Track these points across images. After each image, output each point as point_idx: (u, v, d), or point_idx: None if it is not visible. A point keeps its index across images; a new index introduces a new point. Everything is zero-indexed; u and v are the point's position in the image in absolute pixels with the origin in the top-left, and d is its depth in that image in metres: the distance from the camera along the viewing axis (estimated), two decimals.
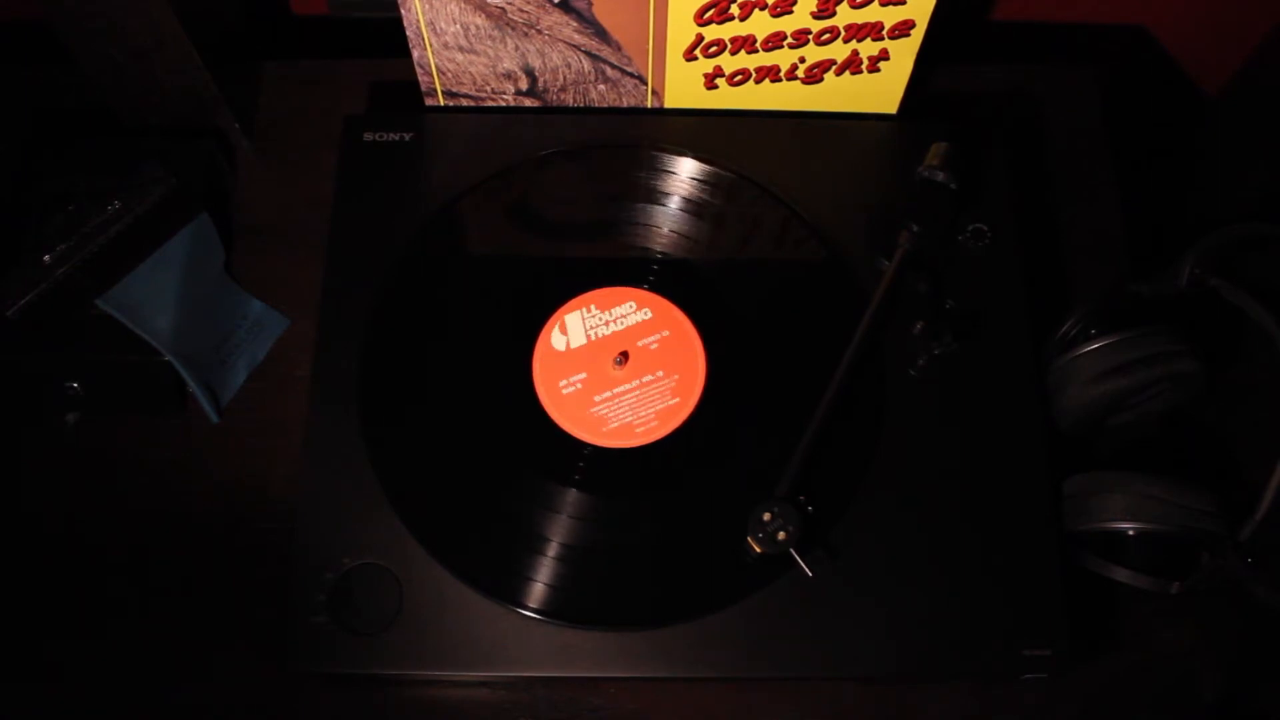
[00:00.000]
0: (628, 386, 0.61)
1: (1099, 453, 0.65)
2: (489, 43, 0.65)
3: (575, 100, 0.70)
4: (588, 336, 0.63)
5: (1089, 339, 0.61)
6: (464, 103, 0.70)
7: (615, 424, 0.60)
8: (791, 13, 0.64)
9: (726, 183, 0.67)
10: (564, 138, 0.68)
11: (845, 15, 0.64)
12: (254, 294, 0.68)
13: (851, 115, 0.71)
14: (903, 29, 0.65)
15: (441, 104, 0.70)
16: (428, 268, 0.64)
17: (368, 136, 0.67)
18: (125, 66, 0.66)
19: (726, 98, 0.70)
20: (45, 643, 0.61)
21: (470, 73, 0.68)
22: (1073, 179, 0.75)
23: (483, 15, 0.64)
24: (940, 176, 0.63)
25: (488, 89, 0.69)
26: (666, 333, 0.63)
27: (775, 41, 0.66)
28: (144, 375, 0.63)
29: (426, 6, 0.63)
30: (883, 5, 0.64)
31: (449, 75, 0.68)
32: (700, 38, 0.65)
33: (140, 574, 0.62)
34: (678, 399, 0.61)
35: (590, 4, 0.63)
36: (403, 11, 0.63)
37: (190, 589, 0.61)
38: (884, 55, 0.67)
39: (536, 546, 0.57)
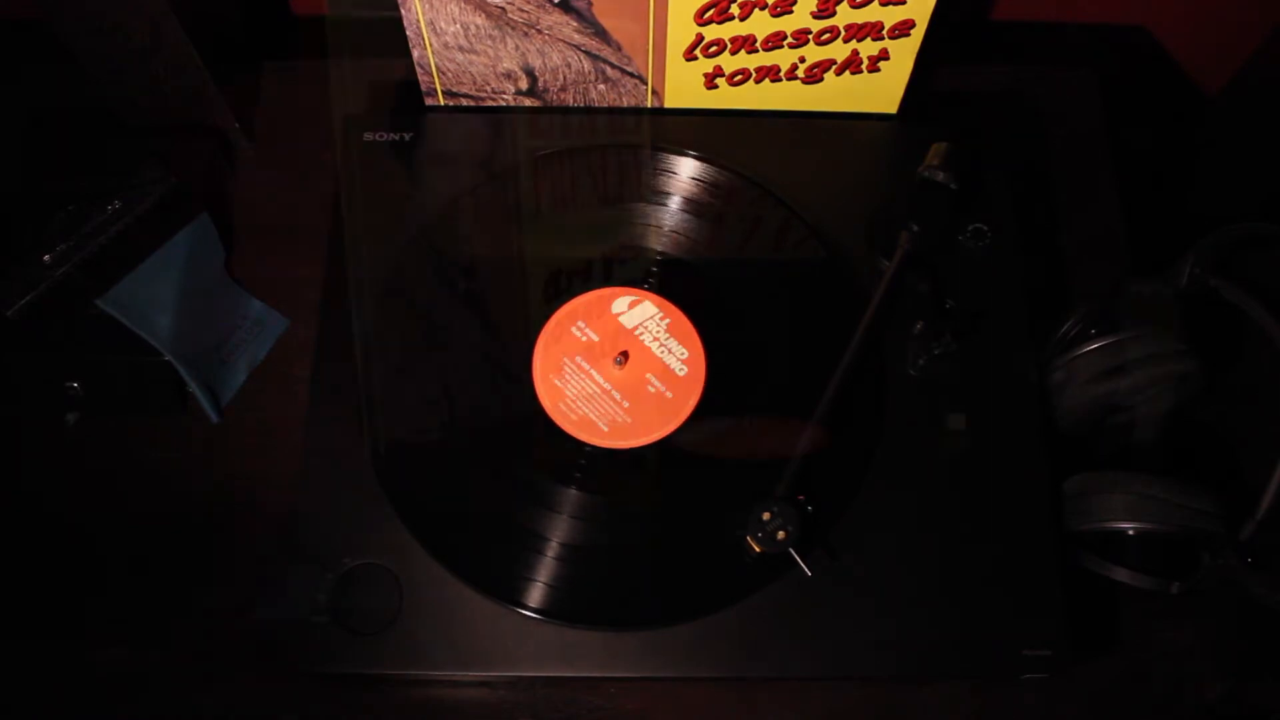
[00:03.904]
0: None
1: (1099, 453, 0.65)
2: (489, 42, 0.65)
3: (575, 100, 0.70)
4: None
5: (1089, 339, 0.61)
6: (464, 103, 0.70)
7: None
8: (791, 13, 0.64)
9: (726, 183, 0.67)
10: (564, 138, 0.68)
11: (845, 15, 0.64)
12: (254, 294, 0.68)
13: (851, 115, 0.71)
14: (903, 29, 0.65)
15: (441, 104, 0.70)
16: (428, 268, 0.64)
17: (368, 136, 0.67)
18: (125, 66, 0.66)
19: (726, 98, 0.70)
20: (43, 642, 0.61)
21: (470, 73, 0.68)
22: (1073, 179, 0.75)
23: (483, 15, 0.63)
24: (940, 176, 0.63)
25: (488, 89, 0.69)
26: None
27: (775, 41, 0.66)
28: (144, 375, 0.63)
29: (426, 6, 0.63)
30: (883, 5, 0.64)
31: (449, 75, 0.68)
32: (700, 37, 0.65)
33: (140, 574, 0.62)
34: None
35: (590, 4, 0.63)
36: (403, 11, 0.63)
37: (190, 589, 0.61)
38: (884, 55, 0.67)
39: (536, 546, 0.57)
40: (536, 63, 0.66)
